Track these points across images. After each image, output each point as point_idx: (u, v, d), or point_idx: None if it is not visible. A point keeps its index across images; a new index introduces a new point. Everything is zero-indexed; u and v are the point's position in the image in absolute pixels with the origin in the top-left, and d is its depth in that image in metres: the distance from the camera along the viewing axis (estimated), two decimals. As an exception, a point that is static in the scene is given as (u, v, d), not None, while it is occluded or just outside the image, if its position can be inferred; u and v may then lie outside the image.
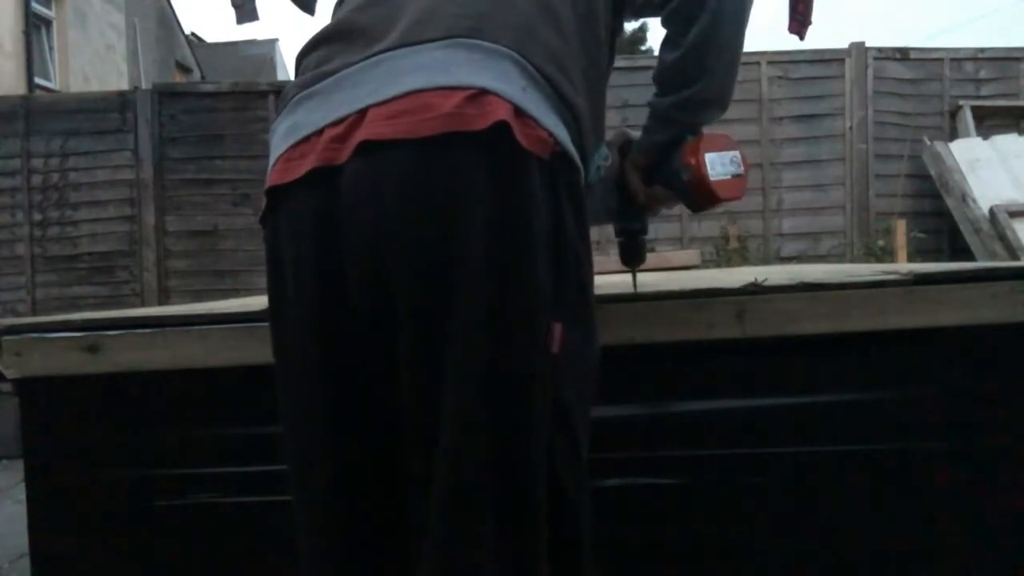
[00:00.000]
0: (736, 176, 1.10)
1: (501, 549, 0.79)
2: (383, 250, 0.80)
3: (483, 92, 0.79)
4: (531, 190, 0.79)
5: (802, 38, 4.99)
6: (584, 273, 0.86)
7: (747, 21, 1.02)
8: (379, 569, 0.88)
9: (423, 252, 0.79)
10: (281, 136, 0.89)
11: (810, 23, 4.87)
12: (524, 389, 0.79)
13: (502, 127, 0.77)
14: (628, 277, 1.26)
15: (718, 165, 1.07)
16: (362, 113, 0.81)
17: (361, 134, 0.80)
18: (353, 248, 0.81)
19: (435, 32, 0.83)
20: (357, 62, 0.85)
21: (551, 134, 0.82)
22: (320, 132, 0.83)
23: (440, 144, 0.77)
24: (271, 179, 0.88)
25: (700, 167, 1.05)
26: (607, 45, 1.01)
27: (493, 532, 0.79)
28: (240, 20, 4.63)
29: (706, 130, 1.08)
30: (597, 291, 1.13)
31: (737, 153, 1.11)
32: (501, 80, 0.80)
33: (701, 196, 1.09)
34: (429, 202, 0.78)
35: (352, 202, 0.80)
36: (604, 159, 1.08)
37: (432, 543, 0.80)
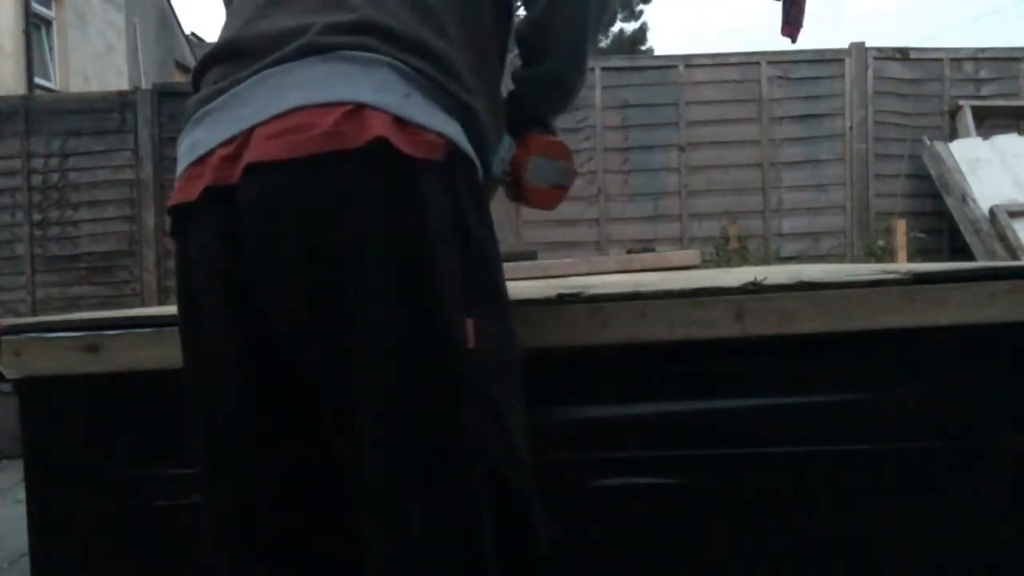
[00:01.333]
0: (555, 187, 1.14)
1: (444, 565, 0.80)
2: (278, 272, 0.81)
3: (361, 107, 0.79)
4: (421, 197, 0.79)
5: (794, 40, 5.03)
6: (494, 267, 0.88)
7: (593, 10, 1.04)
8: None
9: (314, 273, 0.80)
10: (183, 154, 0.90)
11: (802, 26, 4.90)
12: (442, 392, 0.80)
13: (381, 141, 0.78)
14: (628, 277, 1.26)
15: (542, 172, 1.10)
16: (249, 132, 0.81)
17: (248, 155, 0.80)
18: (252, 269, 0.82)
19: (314, 46, 0.83)
20: (244, 79, 0.85)
21: (441, 135, 0.82)
22: (213, 151, 0.84)
23: (322, 163, 0.78)
24: (173, 197, 0.89)
25: (520, 168, 1.09)
26: (498, 35, 1.01)
27: (436, 554, 0.80)
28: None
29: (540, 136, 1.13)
30: (596, 290, 1.13)
31: (567, 164, 1.14)
32: (381, 91, 0.80)
33: (514, 194, 1.13)
34: (315, 222, 0.79)
35: (246, 222, 0.81)
36: (508, 150, 1.08)
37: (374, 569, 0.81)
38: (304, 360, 0.83)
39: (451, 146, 0.83)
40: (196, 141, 0.87)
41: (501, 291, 0.89)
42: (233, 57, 0.89)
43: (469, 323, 0.81)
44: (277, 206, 0.79)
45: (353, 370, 0.79)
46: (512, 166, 1.09)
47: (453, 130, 0.84)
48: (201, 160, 0.85)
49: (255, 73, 0.84)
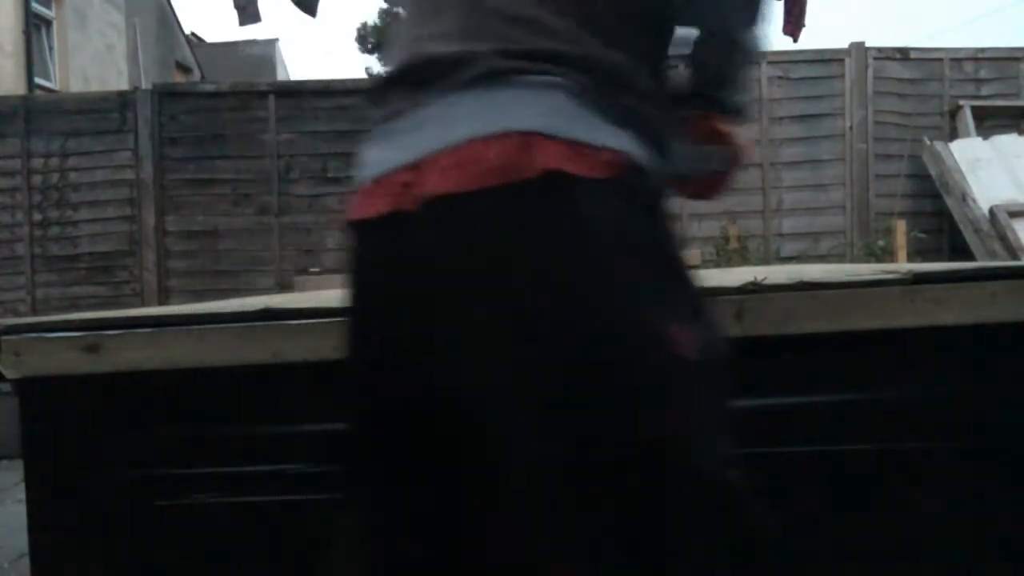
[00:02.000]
0: (713, 174, 1.04)
1: None
2: (443, 302, 0.81)
3: (530, 136, 0.78)
4: (596, 218, 0.78)
5: (795, 40, 5.04)
6: (682, 272, 0.85)
7: None
8: None
9: (482, 306, 0.80)
10: (369, 163, 0.90)
11: (803, 25, 4.91)
12: (649, 402, 0.78)
13: (551, 171, 0.77)
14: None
15: (698, 158, 1.01)
16: (425, 161, 0.82)
17: (423, 186, 0.81)
18: (418, 297, 0.83)
19: (483, 73, 0.82)
20: (423, 104, 0.85)
21: (615, 150, 0.80)
22: (393, 173, 0.85)
23: (493, 197, 0.77)
24: (352, 210, 0.90)
25: (736, 156, 1.00)
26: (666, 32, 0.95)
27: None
28: (243, 22, 4.64)
29: None
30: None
31: (724, 148, 1.04)
32: (551, 115, 0.79)
33: (712, 187, 1.03)
34: (487, 256, 0.79)
35: (419, 251, 0.82)
36: (695, 150, 1.01)
37: None
38: (464, 386, 0.82)
39: (626, 160, 0.81)
40: (381, 157, 0.88)
41: (695, 294, 0.87)
42: (409, 81, 0.89)
43: (674, 329, 0.78)
44: (450, 238, 0.80)
45: (529, 407, 0.78)
46: (726, 155, 1.00)
47: (627, 143, 0.82)
48: (381, 179, 0.86)
49: (431, 100, 0.84)
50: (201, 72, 15.96)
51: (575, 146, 0.78)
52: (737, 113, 1.01)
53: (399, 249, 0.84)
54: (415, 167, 0.82)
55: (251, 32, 20.33)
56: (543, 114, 0.79)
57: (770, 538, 0.83)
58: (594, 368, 0.77)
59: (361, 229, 0.89)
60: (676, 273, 0.84)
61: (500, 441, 0.80)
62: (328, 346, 1.09)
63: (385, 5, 19.88)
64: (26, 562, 1.16)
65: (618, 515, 0.77)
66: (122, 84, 11.23)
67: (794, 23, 4.90)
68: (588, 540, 0.78)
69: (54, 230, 6.31)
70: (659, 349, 0.77)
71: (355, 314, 0.91)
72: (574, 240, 0.78)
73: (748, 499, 0.82)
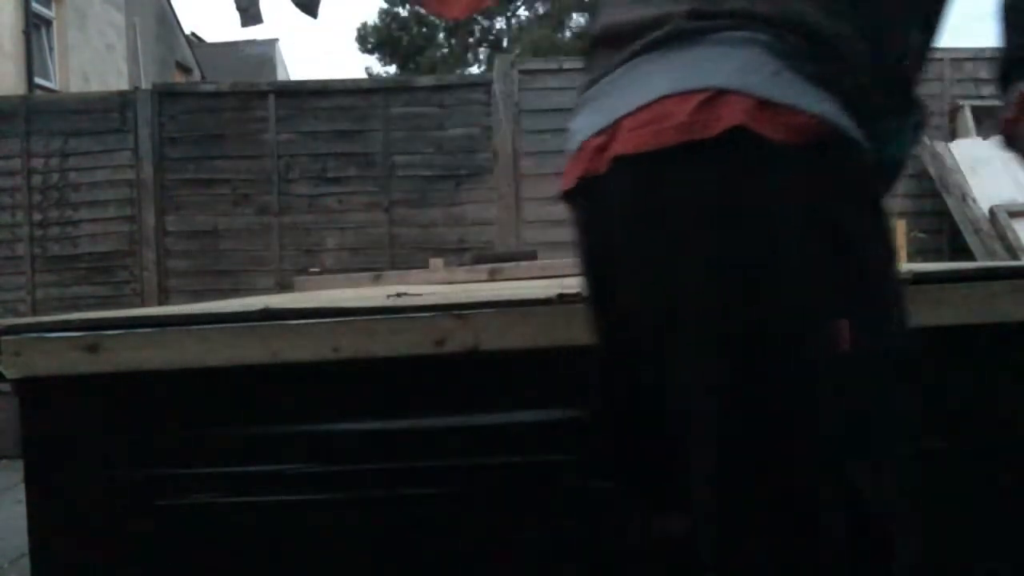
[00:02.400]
0: None
1: None
2: (626, 264, 0.81)
3: (720, 93, 0.74)
4: (776, 186, 0.74)
5: None
6: (876, 260, 0.79)
7: None
8: None
9: (652, 270, 0.78)
10: (571, 134, 0.90)
11: None
12: (791, 400, 0.74)
13: (737, 130, 0.73)
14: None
15: None
16: (616, 123, 0.80)
17: (614, 147, 0.79)
18: (609, 259, 0.83)
19: (680, 31, 0.79)
20: (614, 68, 0.84)
21: (814, 115, 0.74)
22: (587, 141, 0.85)
23: (675, 155, 0.75)
24: (562, 181, 0.91)
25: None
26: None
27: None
28: (245, 23, 4.64)
29: None
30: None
31: None
32: (746, 71, 0.75)
33: None
34: (661, 218, 0.77)
35: (608, 213, 0.81)
36: (916, 127, 0.93)
37: None
38: (644, 354, 0.81)
39: (826, 127, 0.75)
40: (579, 126, 0.88)
41: (889, 286, 0.81)
42: (607, 44, 0.87)
43: (843, 324, 0.73)
44: (634, 198, 0.78)
45: (688, 370, 0.76)
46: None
47: (831, 110, 0.75)
48: (579, 148, 0.86)
49: (624, 62, 0.82)
50: (201, 72, 15.97)
51: (767, 105, 0.74)
52: None
53: (592, 212, 0.85)
54: (607, 131, 0.81)
55: (251, 32, 20.35)
56: (737, 69, 0.75)
57: (900, 547, 0.78)
58: (748, 350, 0.74)
59: (567, 198, 0.91)
60: (861, 260, 0.77)
61: (679, 413, 0.78)
62: (328, 346, 1.09)
63: (385, 5, 19.89)
64: (26, 562, 1.16)
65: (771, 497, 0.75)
66: (122, 84, 11.23)
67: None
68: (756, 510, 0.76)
69: (54, 230, 6.30)
70: (815, 342, 0.74)
71: (583, 278, 0.92)
72: (747, 210, 0.74)
73: (884, 506, 0.77)
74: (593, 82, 0.87)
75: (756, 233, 0.73)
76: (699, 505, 0.78)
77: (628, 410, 0.87)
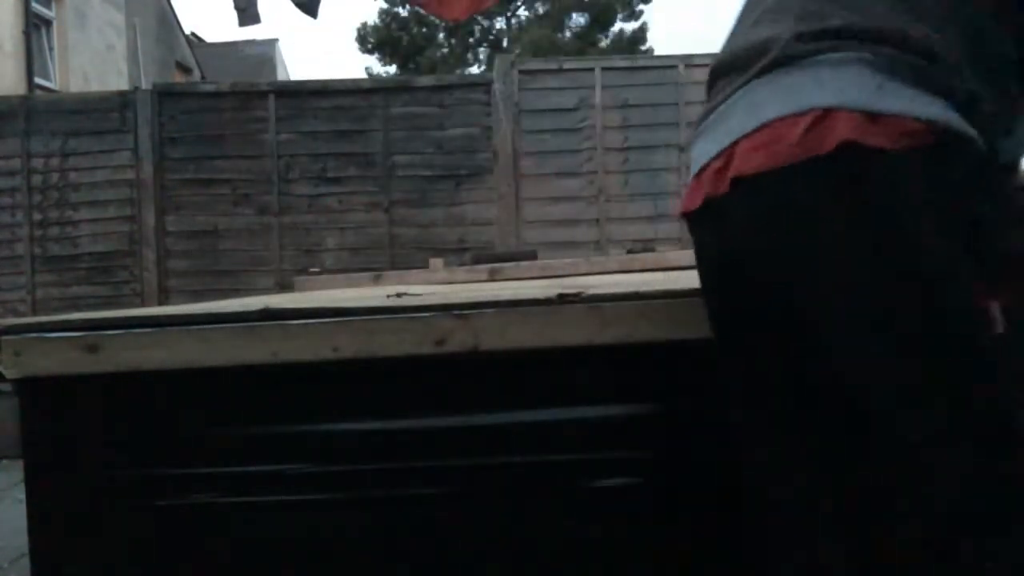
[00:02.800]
0: None
1: None
2: (757, 281, 0.84)
3: (827, 111, 0.79)
4: (899, 190, 0.77)
5: None
6: (1012, 251, 0.82)
7: None
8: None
9: (783, 286, 0.81)
10: (693, 159, 0.95)
11: None
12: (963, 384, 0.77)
13: (848, 144, 0.77)
14: (628, 277, 1.26)
15: None
16: (733, 146, 0.85)
17: (733, 168, 0.84)
18: (740, 279, 0.86)
19: (786, 55, 0.84)
20: (731, 94, 0.89)
21: (923, 119, 0.78)
22: (708, 166, 0.89)
23: (793, 174, 0.79)
24: (682, 204, 0.95)
25: None
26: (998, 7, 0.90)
27: None
28: (243, 23, 4.65)
29: None
30: (596, 290, 1.13)
31: None
32: (850, 89, 0.80)
33: None
34: (787, 234, 0.81)
35: (733, 234, 0.85)
36: None
37: None
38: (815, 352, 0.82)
39: (938, 129, 0.78)
40: (699, 152, 0.92)
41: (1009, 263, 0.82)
42: (726, 71, 0.93)
43: (993, 306, 0.76)
44: (758, 218, 0.82)
45: (873, 372, 0.78)
46: None
47: (939, 112, 0.79)
48: (699, 173, 0.90)
49: (738, 88, 0.88)
50: (201, 72, 15.97)
51: (874, 117, 0.77)
52: None
53: (716, 235, 0.89)
54: (723, 154, 0.86)
55: (251, 32, 20.36)
56: (842, 89, 0.80)
57: None
58: (930, 346, 0.76)
59: (689, 222, 0.94)
60: (1002, 251, 0.80)
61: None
62: (328, 346, 1.09)
63: (385, 5, 19.89)
64: (26, 562, 1.16)
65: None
66: (122, 84, 11.25)
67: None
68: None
69: (54, 230, 6.31)
70: (979, 328, 0.76)
71: (705, 300, 0.96)
72: (872, 216, 0.77)
73: None
74: (712, 110, 0.92)
75: (889, 235, 0.77)
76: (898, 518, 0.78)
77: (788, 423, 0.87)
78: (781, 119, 0.81)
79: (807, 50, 0.83)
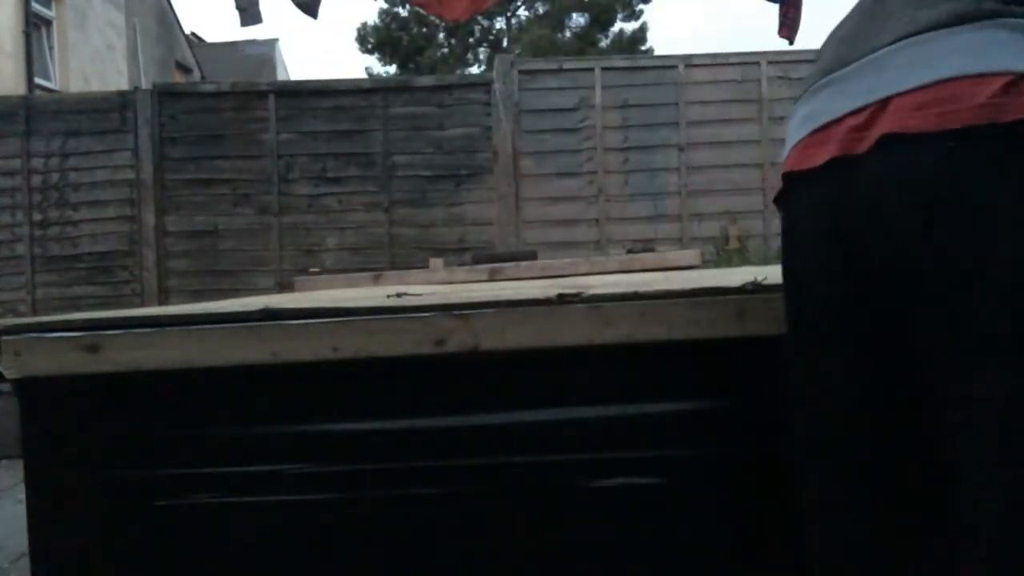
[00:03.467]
0: None
1: None
2: (904, 244, 0.79)
3: (1022, 77, 0.74)
4: None
5: (791, 42, 5.10)
6: None
7: None
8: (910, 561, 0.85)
9: (945, 249, 0.77)
10: (798, 122, 0.89)
11: (799, 27, 4.98)
12: None
13: None
14: (628, 277, 1.26)
15: None
16: (884, 103, 0.79)
17: (883, 125, 0.78)
18: (873, 243, 0.81)
19: (968, 12, 0.78)
20: (883, 47, 0.82)
21: None
22: (839, 121, 0.83)
23: (974, 136, 0.74)
24: (788, 164, 0.89)
25: None
26: None
27: None
28: (244, 23, 4.65)
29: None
30: (596, 290, 1.13)
31: None
32: None
33: None
34: (951, 200, 0.76)
35: (873, 194, 0.79)
36: None
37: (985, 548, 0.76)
38: (922, 336, 0.79)
39: None
40: (815, 111, 0.86)
41: None
42: (868, 23, 0.86)
43: None
44: (920, 177, 0.77)
45: (977, 363, 0.75)
46: None
47: None
48: (823, 129, 0.84)
49: (895, 41, 0.81)
50: (201, 72, 15.97)
51: None
52: None
53: (846, 191, 0.82)
54: (867, 110, 0.80)
55: (251, 32, 20.36)
56: None
57: None
58: None
59: (796, 180, 0.88)
60: None
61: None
62: (328, 346, 1.09)
63: (385, 5, 19.89)
64: (26, 562, 1.16)
65: None
66: (122, 84, 11.24)
67: (790, 26, 4.96)
68: None
69: (54, 230, 6.31)
70: None
71: (802, 259, 0.89)
72: None
73: None
74: (839, 64, 0.86)
75: None
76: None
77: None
78: (959, 79, 0.76)
79: (994, 9, 0.77)
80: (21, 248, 6.27)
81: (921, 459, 0.82)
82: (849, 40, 0.88)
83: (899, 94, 0.78)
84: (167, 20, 14.90)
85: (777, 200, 0.94)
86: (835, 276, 0.85)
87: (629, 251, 4.15)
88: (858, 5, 0.91)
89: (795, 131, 0.90)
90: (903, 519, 0.84)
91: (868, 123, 0.80)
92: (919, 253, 0.78)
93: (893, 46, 0.81)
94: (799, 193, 0.88)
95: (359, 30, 20.87)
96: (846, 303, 0.85)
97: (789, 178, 0.89)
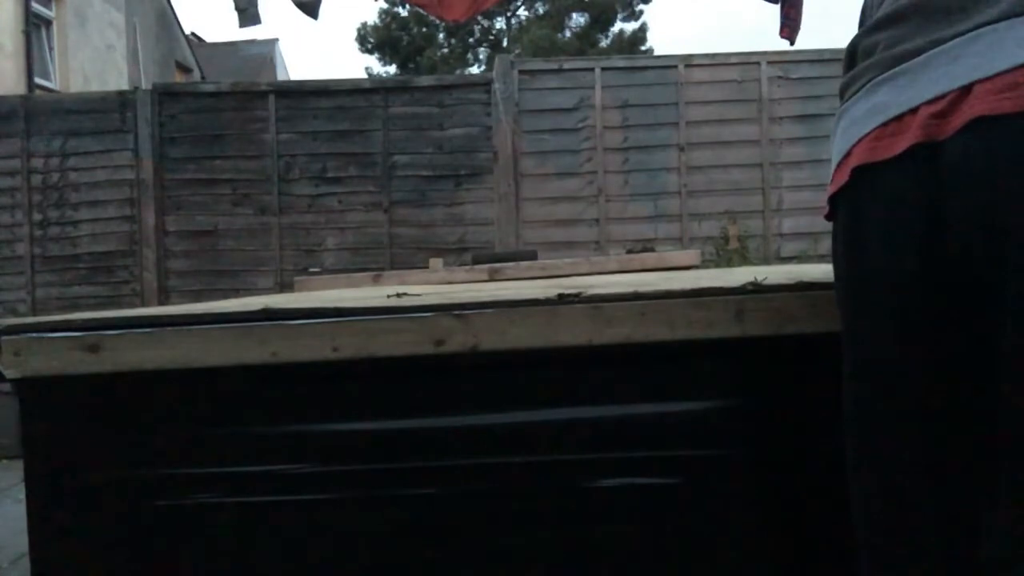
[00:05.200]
0: None
1: None
2: (996, 227, 0.79)
3: None
4: None
5: (792, 42, 5.10)
6: None
7: None
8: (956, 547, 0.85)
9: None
10: (860, 117, 0.89)
11: (800, 28, 4.98)
12: None
13: None
14: (628, 277, 1.26)
15: None
16: (966, 89, 0.80)
17: (971, 110, 0.79)
18: (963, 224, 0.81)
19: None
20: (949, 38, 0.84)
21: None
22: (915, 110, 0.84)
23: None
24: (857, 158, 0.89)
25: None
26: None
27: None
28: (243, 24, 4.66)
29: None
30: (596, 290, 1.13)
31: None
32: None
33: None
34: None
35: (963, 178, 0.80)
36: None
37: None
38: (1008, 335, 0.79)
39: None
40: (880, 103, 0.87)
41: None
42: (922, 16, 0.87)
43: None
44: (1004, 160, 0.77)
45: None
46: None
47: None
48: (897, 119, 0.85)
49: (965, 32, 0.82)
50: (201, 72, 15.96)
51: None
52: None
53: (930, 174, 0.82)
54: (947, 97, 0.81)
55: (251, 32, 20.34)
56: None
57: None
58: None
59: (871, 171, 0.87)
60: None
61: None
62: (328, 346, 1.09)
63: (385, 5, 19.90)
64: (26, 562, 1.16)
65: None
66: (122, 84, 11.25)
67: (791, 26, 4.96)
68: None
69: (54, 230, 6.31)
70: None
71: (877, 246, 0.88)
72: None
73: None
74: (904, 56, 0.86)
75: None
76: None
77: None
78: None
79: None
80: (21, 248, 6.27)
81: (992, 432, 0.82)
82: (903, 36, 0.88)
83: (982, 79, 0.79)
84: (167, 20, 14.90)
85: (835, 197, 0.93)
86: (918, 255, 0.85)
87: (629, 251, 4.15)
88: (900, 6, 0.91)
89: (857, 126, 0.90)
90: (969, 491, 0.85)
91: (949, 109, 0.81)
92: (1009, 226, 0.77)
93: (965, 36, 0.82)
94: (872, 183, 0.88)
95: (359, 30, 20.87)
96: (928, 279, 0.85)
97: (860, 171, 0.89)
